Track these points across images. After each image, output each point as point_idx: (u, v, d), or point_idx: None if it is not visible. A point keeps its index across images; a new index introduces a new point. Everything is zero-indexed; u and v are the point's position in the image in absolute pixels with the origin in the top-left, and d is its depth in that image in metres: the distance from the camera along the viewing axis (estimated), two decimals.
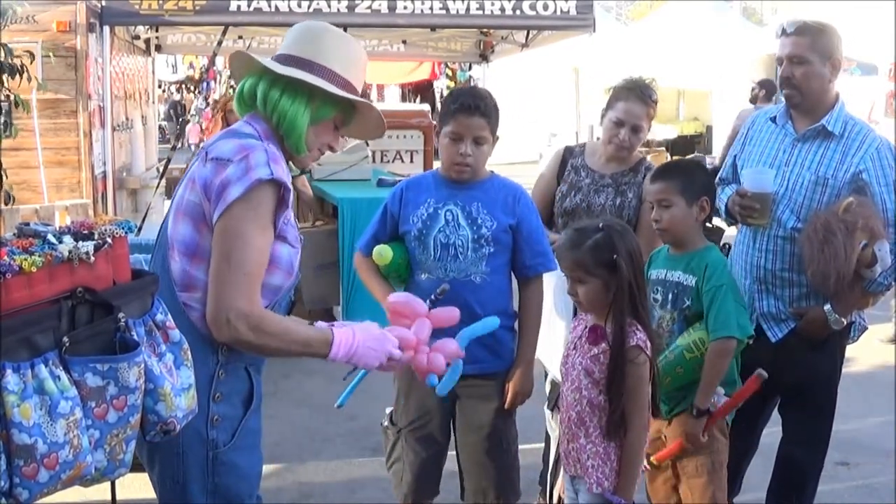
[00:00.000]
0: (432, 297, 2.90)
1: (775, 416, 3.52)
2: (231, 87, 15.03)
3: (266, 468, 2.35)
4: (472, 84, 14.50)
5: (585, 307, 2.71)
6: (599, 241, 2.64)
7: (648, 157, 3.89)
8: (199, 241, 2.12)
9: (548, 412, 3.45)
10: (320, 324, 2.21)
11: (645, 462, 2.98)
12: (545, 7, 6.28)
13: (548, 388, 3.39)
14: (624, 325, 2.60)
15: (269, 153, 2.11)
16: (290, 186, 2.14)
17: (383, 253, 3.01)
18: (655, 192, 3.09)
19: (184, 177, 2.25)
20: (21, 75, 5.14)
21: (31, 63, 5.42)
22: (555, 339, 3.29)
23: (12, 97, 5.16)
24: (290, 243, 2.21)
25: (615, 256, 2.60)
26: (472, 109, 2.93)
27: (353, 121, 2.37)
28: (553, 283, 3.20)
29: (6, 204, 5.14)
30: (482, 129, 2.94)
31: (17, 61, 5.12)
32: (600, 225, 2.70)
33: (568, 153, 3.75)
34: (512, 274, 3.08)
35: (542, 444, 3.82)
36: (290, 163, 2.29)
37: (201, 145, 2.31)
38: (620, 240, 2.65)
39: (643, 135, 3.56)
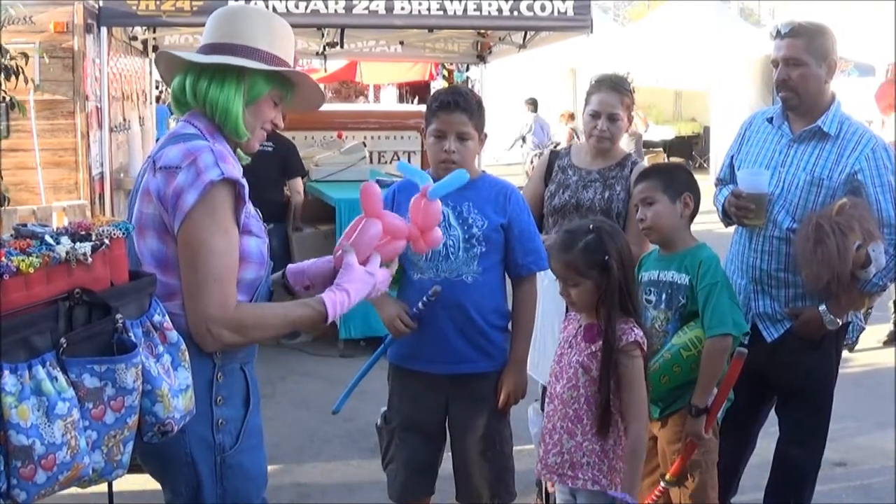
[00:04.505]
0: (424, 298, 2.91)
1: (773, 416, 3.53)
2: None
3: None
4: (469, 85, 14.51)
5: (578, 308, 2.73)
6: (590, 242, 2.66)
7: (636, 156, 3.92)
8: (166, 251, 2.11)
9: (530, 410, 3.46)
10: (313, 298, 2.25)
11: (661, 483, 2.98)
12: (542, 8, 6.27)
13: (540, 390, 3.40)
14: (614, 323, 2.61)
15: (217, 153, 2.09)
16: (244, 181, 2.12)
17: None
18: (638, 191, 3.13)
19: (135, 188, 2.22)
20: (17, 77, 5.12)
21: (27, 64, 5.40)
22: (538, 345, 3.28)
23: (8, 99, 5.15)
24: (257, 234, 2.21)
25: (607, 258, 2.62)
26: (452, 106, 2.95)
27: (293, 94, 2.32)
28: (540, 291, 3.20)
29: (0, 205, 5.13)
30: (464, 125, 2.95)
31: (12, 63, 5.10)
32: (590, 226, 2.72)
33: (554, 156, 3.80)
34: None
35: None
36: (238, 150, 2.26)
37: (149, 152, 2.27)
38: (611, 240, 2.66)
39: (621, 123, 3.59)
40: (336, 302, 2.19)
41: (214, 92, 2.18)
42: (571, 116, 14.61)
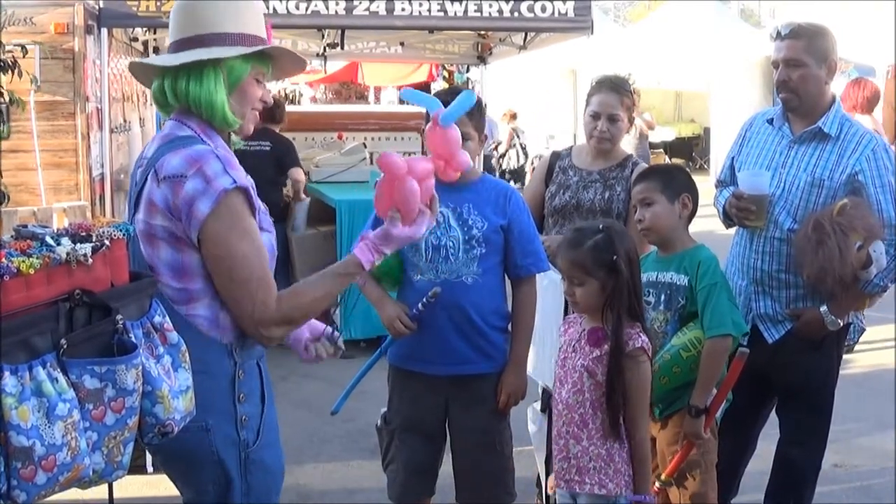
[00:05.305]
0: (424, 299, 2.92)
1: (774, 418, 3.52)
2: None
3: None
4: (470, 86, 14.51)
5: (581, 308, 2.72)
6: (599, 242, 2.66)
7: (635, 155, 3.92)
8: (182, 259, 2.10)
9: (529, 412, 3.46)
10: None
11: (657, 483, 2.98)
12: (543, 9, 6.27)
13: (540, 391, 3.40)
14: (621, 326, 2.61)
15: (223, 159, 2.08)
16: (252, 188, 2.13)
17: None
18: (637, 192, 3.13)
19: (133, 189, 2.21)
20: (13, 71, 5.10)
21: (24, 57, 5.38)
22: (537, 346, 3.28)
23: (7, 96, 5.13)
24: (266, 229, 2.23)
25: (615, 258, 2.62)
26: None
27: (274, 65, 2.28)
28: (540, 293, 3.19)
29: (0, 202, 5.11)
30: (464, 126, 2.93)
31: (9, 55, 5.07)
32: (600, 226, 2.73)
33: (555, 157, 3.80)
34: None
35: None
36: (233, 136, 2.25)
37: (141, 154, 2.23)
38: (620, 241, 2.67)
39: (622, 124, 3.59)
40: (371, 262, 2.22)
41: (194, 89, 2.15)
42: (514, 116, 14.70)
